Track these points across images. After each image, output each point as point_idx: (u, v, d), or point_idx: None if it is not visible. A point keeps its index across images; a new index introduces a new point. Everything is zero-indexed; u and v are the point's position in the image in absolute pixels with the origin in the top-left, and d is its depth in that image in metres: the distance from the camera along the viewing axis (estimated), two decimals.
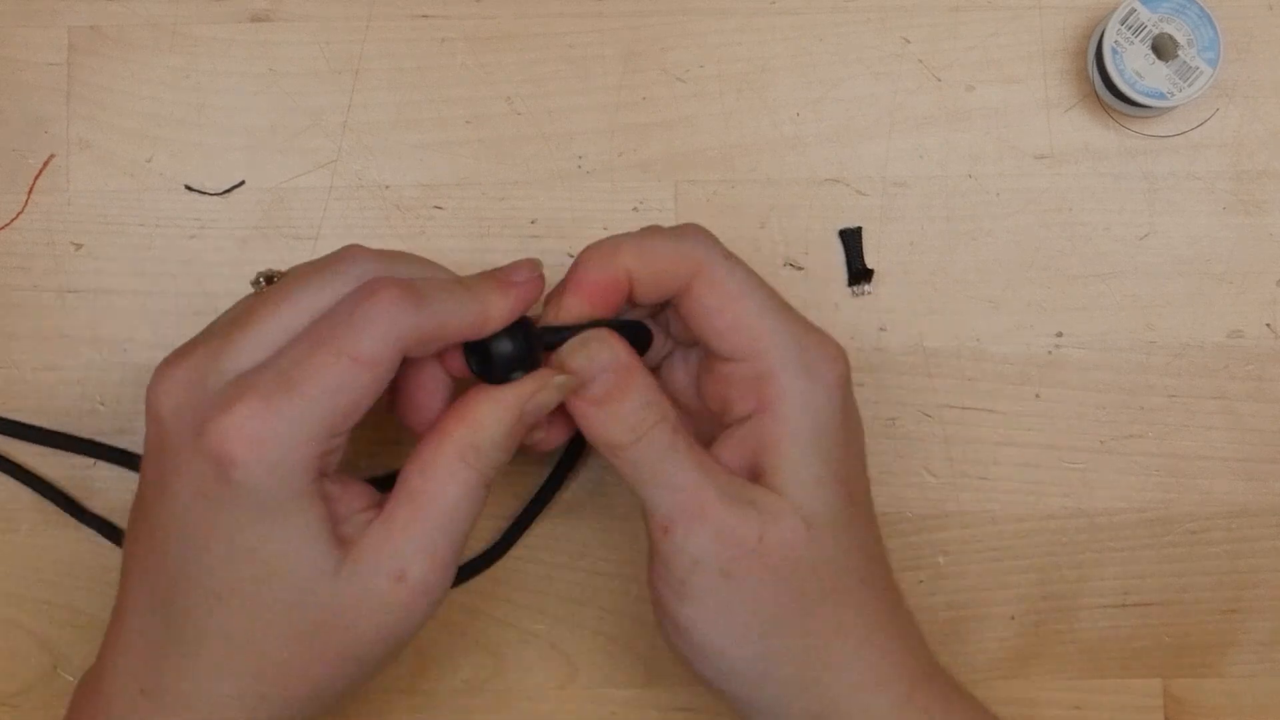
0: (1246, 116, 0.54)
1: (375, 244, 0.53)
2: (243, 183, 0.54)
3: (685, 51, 0.54)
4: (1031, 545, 0.54)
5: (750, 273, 0.44)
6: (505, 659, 0.54)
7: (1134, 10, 0.51)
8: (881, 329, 0.54)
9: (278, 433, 0.39)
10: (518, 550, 0.54)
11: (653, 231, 0.44)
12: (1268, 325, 0.54)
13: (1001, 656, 0.54)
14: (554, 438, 0.45)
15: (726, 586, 0.42)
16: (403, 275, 0.42)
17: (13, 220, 0.54)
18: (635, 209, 0.54)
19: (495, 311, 0.42)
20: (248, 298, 0.44)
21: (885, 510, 0.53)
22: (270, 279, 0.44)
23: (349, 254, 0.43)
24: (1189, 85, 0.51)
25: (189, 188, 0.54)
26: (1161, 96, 0.51)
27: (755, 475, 0.44)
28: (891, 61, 0.54)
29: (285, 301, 0.41)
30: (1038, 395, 0.54)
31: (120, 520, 0.53)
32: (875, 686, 0.44)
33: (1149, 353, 0.54)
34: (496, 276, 0.43)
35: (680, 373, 0.48)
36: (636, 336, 0.45)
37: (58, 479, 0.54)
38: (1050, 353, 0.54)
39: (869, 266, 0.54)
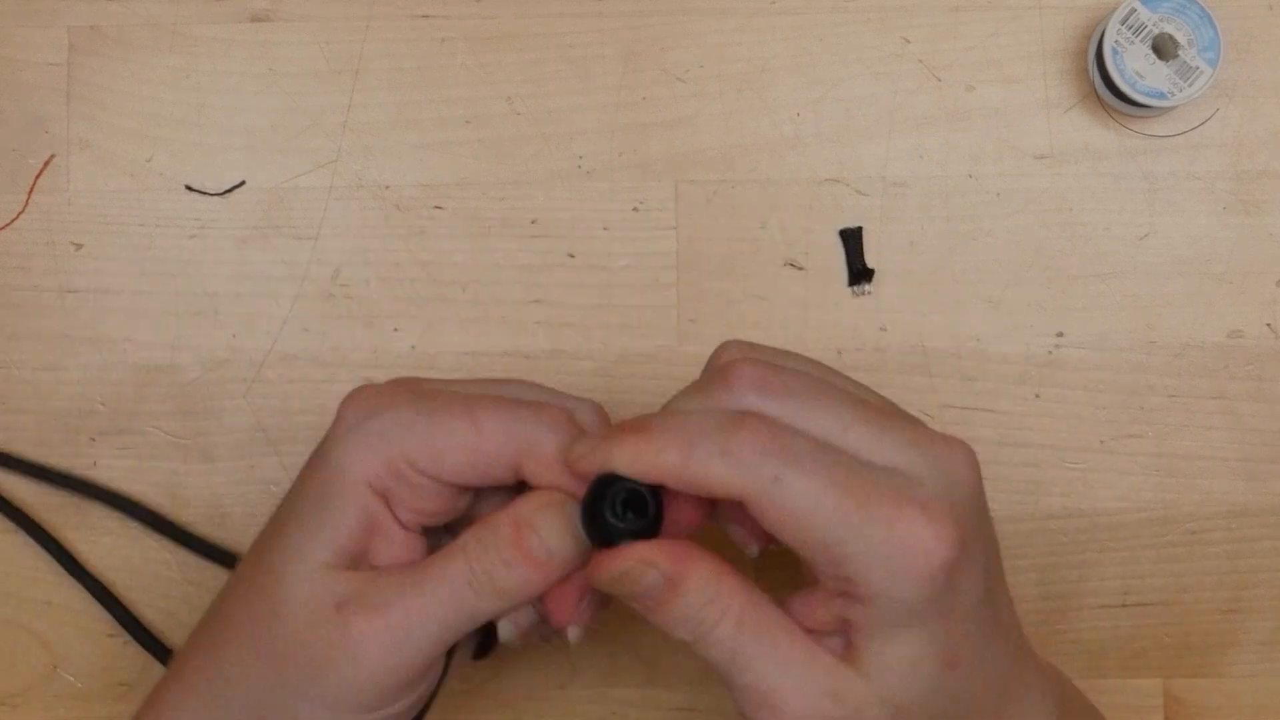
0: (1246, 116, 0.54)
1: (375, 244, 0.53)
2: (243, 183, 0.54)
3: (685, 51, 0.54)
4: (1031, 545, 0.54)
5: (815, 471, 0.38)
6: (505, 659, 0.54)
7: (1134, 10, 0.51)
8: (882, 329, 0.54)
9: (411, 634, 0.40)
10: None
11: (696, 440, 0.38)
12: (1268, 325, 0.54)
13: None
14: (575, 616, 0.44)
15: None
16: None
17: (13, 220, 0.54)
18: (635, 209, 0.54)
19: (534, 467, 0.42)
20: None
21: None
22: None
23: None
24: (1189, 85, 0.51)
25: (189, 188, 0.54)
26: (1162, 96, 0.51)
27: (845, 643, 0.40)
28: (891, 61, 0.54)
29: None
30: (1038, 395, 0.54)
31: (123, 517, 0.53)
32: None
33: (1149, 353, 0.54)
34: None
35: None
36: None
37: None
38: (1050, 353, 0.54)
39: (869, 266, 0.53)
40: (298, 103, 0.54)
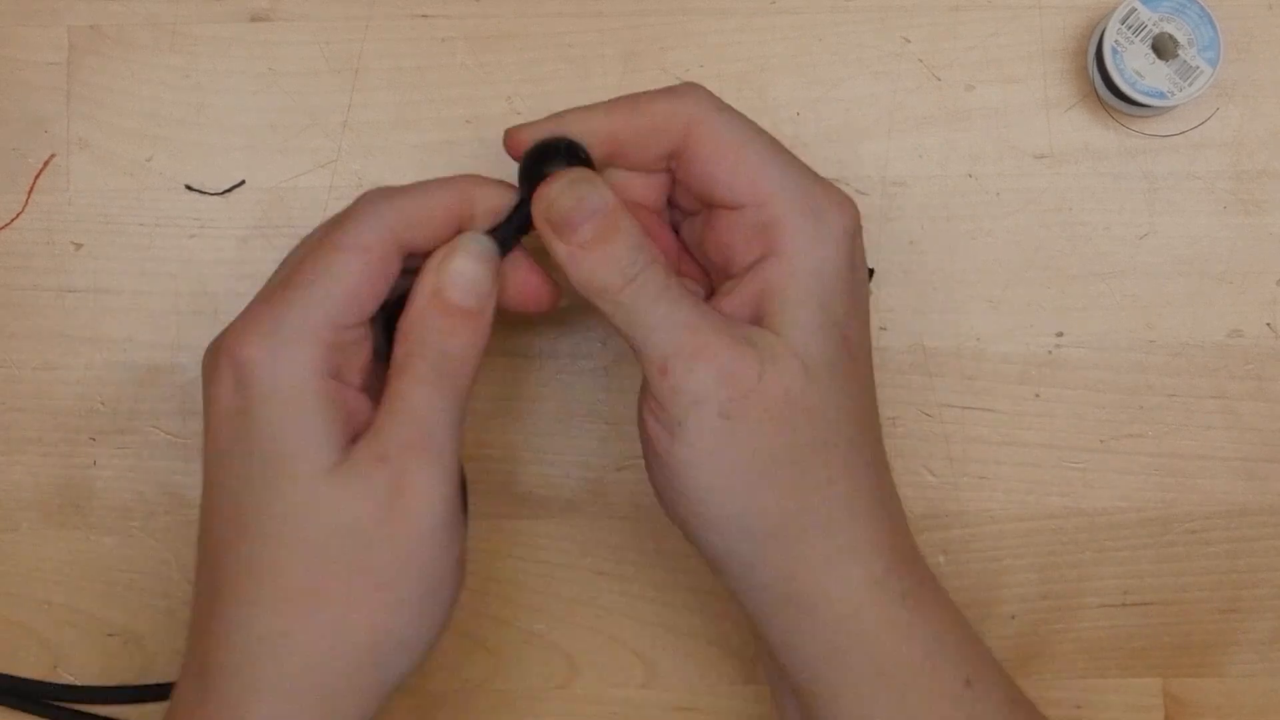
0: (1246, 116, 0.54)
1: None
2: (243, 182, 0.54)
3: (685, 51, 0.54)
4: (1031, 545, 0.54)
5: (750, 122, 0.44)
6: (505, 659, 0.54)
7: (1134, 10, 0.51)
8: (882, 328, 0.54)
9: (280, 325, 0.40)
10: (518, 550, 0.54)
11: (642, 93, 0.44)
12: (1268, 325, 0.54)
13: (1001, 656, 0.53)
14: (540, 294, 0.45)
15: (724, 428, 0.41)
16: None
17: (13, 220, 0.54)
18: None
19: (479, 190, 0.43)
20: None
21: None
22: None
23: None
24: (1189, 85, 0.51)
25: (189, 187, 0.54)
26: (1161, 96, 0.51)
27: (756, 321, 0.42)
28: (891, 61, 0.54)
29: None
30: (1038, 395, 0.54)
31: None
32: (852, 554, 0.42)
33: (1149, 352, 0.54)
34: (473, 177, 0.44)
35: (685, 240, 0.47)
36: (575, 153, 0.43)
37: (57, 478, 0.54)
38: (1050, 352, 0.54)
39: (869, 266, 0.53)
40: (298, 102, 0.54)
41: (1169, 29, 0.51)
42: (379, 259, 0.41)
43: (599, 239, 0.41)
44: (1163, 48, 0.51)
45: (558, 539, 0.54)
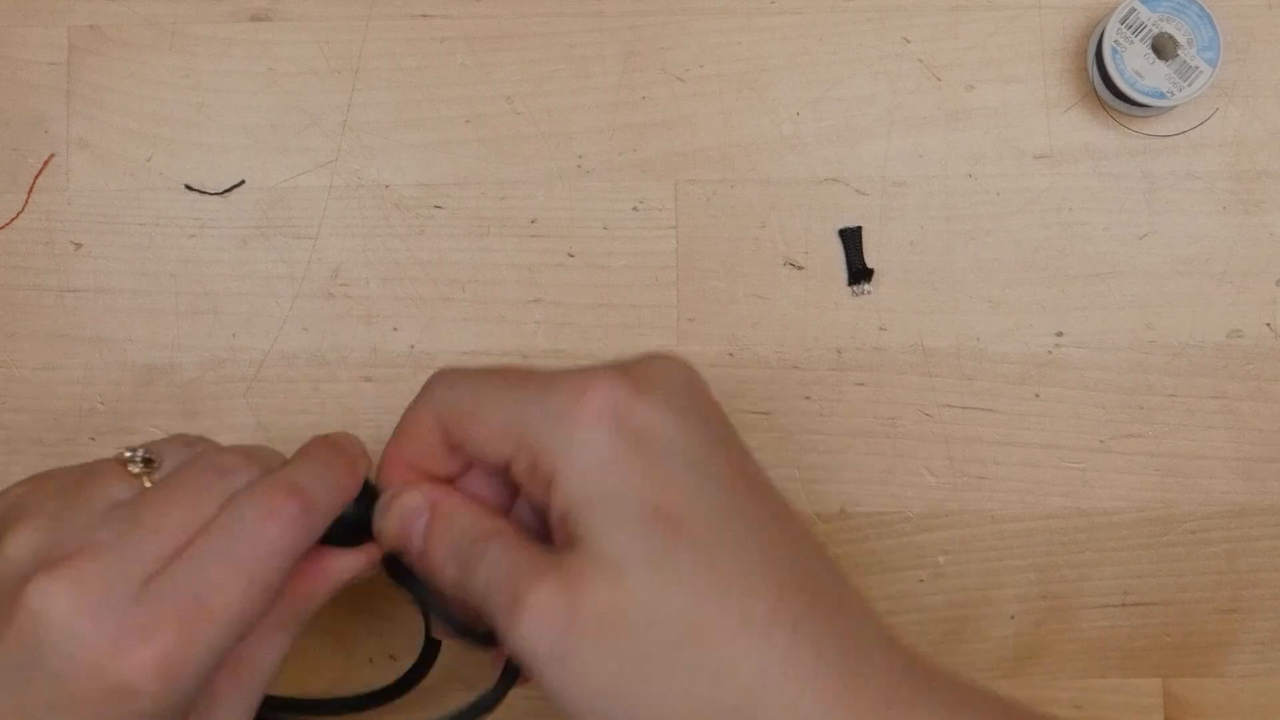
0: (1246, 116, 0.54)
1: (374, 243, 0.53)
2: (243, 182, 0.54)
3: (685, 51, 0.54)
4: (1031, 545, 0.54)
5: (483, 374, 0.42)
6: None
7: (1134, 10, 0.51)
8: (881, 328, 0.54)
9: (189, 663, 0.38)
10: None
11: (404, 412, 0.43)
12: (1267, 325, 0.54)
13: (1001, 656, 0.54)
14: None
15: (568, 666, 0.38)
16: (264, 462, 0.42)
17: (13, 220, 0.54)
18: (635, 208, 0.54)
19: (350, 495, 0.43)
20: (141, 492, 0.42)
21: (885, 510, 0.53)
22: (148, 459, 0.43)
23: (221, 457, 0.42)
24: (1189, 85, 0.51)
25: (189, 187, 0.54)
26: (1161, 96, 0.51)
27: (568, 546, 0.39)
28: (891, 61, 0.54)
29: (182, 503, 0.40)
30: (1037, 395, 0.54)
31: None
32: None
33: (1148, 352, 0.54)
34: (343, 459, 0.43)
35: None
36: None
37: None
38: (1050, 352, 0.54)
39: (869, 266, 0.54)
40: (297, 102, 0.54)
41: (1169, 29, 0.51)
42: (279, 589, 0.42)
43: (432, 537, 0.42)
44: (1162, 48, 0.51)
45: None
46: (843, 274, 0.54)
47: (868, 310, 0.54)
